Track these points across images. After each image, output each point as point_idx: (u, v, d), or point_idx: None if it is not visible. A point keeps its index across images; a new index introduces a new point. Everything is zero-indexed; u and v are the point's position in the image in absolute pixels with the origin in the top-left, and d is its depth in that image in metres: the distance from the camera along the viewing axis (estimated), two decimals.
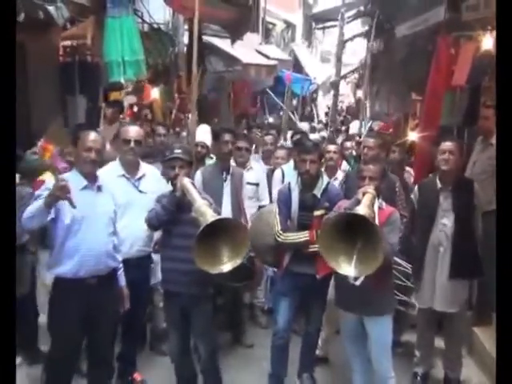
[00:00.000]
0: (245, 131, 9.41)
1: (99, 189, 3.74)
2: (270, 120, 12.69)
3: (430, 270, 4.30)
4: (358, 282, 3.56)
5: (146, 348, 5.05)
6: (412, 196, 4.57)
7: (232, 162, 5.27)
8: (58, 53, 7.42)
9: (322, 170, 4.64)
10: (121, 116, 7.51)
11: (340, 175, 5.55)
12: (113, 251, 3.76)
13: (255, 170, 5.54)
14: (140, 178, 4.28)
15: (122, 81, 7.32)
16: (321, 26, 19.06)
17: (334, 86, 15.80)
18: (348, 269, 3.30)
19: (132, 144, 4.18)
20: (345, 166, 6.55)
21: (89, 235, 3.58)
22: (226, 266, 3.43)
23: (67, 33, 7.22)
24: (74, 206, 3.32)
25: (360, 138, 7.77)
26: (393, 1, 9.49)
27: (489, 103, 5.24)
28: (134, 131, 4.27)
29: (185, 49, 10.25)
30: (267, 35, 19.09)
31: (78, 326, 3.62)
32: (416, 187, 4.60)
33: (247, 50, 13.49)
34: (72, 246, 3.55)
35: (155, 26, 9.78)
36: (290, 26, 23.34)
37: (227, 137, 5.04)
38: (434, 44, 6.44)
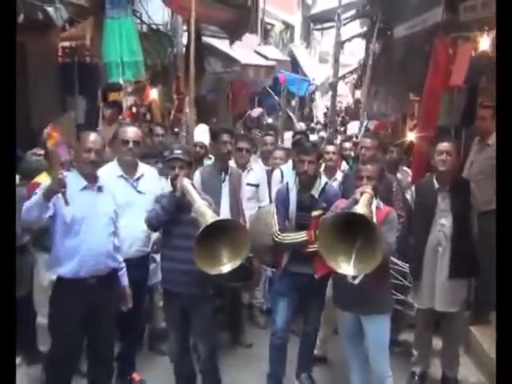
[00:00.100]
0: (242, 131, 9.42)
1: (100, 189, 3.75)
2: (269, 121, 12.69)
3: (429, 271, 4.32)
4: (356, 281, 3.57)
5: (145, 348, 5.06)
6: (408, 196, 4.59)
7: (232, 163, 5.28)
8: (57, 54, 7.43)
9: (321, 170, 4.67)
10: (120, 117, 7.51)
11: (339, 176, 5.56)
12: (113, 251, 3.78)
13: (255, 170, 5.55)
14: (138, 179, 4.29)
15: (121, 82, 7.32)
16: (319, 26, 19.06)
17: (332, 86, 15.82)
18: (347, 268, 3.31)
19: (130, 145, 4.19)
20: (344, 166, 6.57)
21: (89, 235, 3.60)
22: (226, 267, 3.44)
23: (66, 34, 7.22)
24: (67, 203, 3.34)
25: (357, 138, 7.80)
26: (391, 2, 9.50)
27: (486, 104, 5.26)
28: (132, 132, 4.27)
29: (184, 49, 10.26)
30: (266, 36, 19.10)
31: (78, 326, 3.64)
32: (413, 188, 4.62)
33: (246, 50, 13.51)
34: (72, 246, 3.56)
35: (154, 26, 9.77)
36: (288, 26, 23.37)
37: (226, 137, 5.04)
38: (432, 45, 6.45)
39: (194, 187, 3.84)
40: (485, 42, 5.72)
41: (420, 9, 7.65)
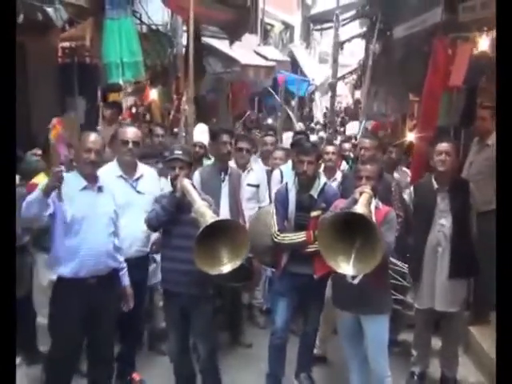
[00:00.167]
0: (242, 132, 9.42)
1: (100, 189, 3.76)
2: (269, 121, 12.71)
3: (429, 271, 4.33)
4: (355, 281, 3.58)
5: (145, 348, 5.06)
6: (405, 196, 4.59)
7: (232, 163, 5.29)
8: (57, 54, 7.42)
9: (320, 170, 4.67)
10: (120, 117, 7.52)
11: (339, 176, 5.56)
12: (113, 251, 3.79)
13: (256, 171, 5.56)
14: (138, 179, 4.30)
15: (121, 82, 7.33)
16: (318, 27, 19.07)
17: (331, 87, 15.82)
18: (346, 268, 3.32)
19: (130, 145, 4.20)
20: (344, 166, 6.57)
21: (89, 235, 3.61)
22: (226, 267, 3.44)
23: (66, 34, 7.22)
24: (60, 199, 3.35)
25: (356, 140, 7.80)
26: (391, 2, 9.51)
27: (485, 104, 5.27)
28: (131, 132, 4.28)
29: (183, 50, 10.28)
30: (266, 36, 19.13)
31: (78, 326, 3.65)
32: (411, 188, 4.63)
33: (246, 51, 13.53)
34: (72, 246, 3.57)
35: (154, 27, 9.78)
36: (288, 27, 23.39)
37: (226, 137, 5.05)
38: (431, 45, 6.46)
39: (195, 187, 3.85)
40: (484, 43, 5.73)
41: (419, 9, 7.66)
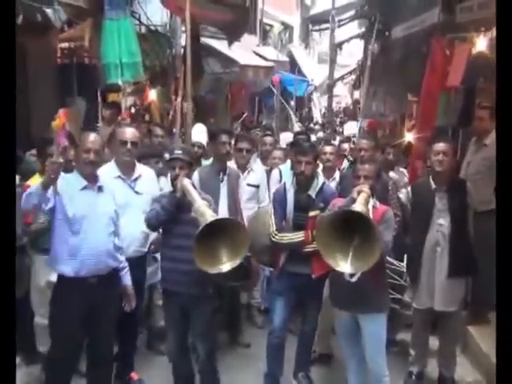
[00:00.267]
0: (240, 132, 9.43)
1: (100, 189, 3.78)
2: (267, 121, 12.73)
3: (428, 271, 4.33)
4: (353, 279, 3.58)
5: (143, 348, 5.06)
6: (401, 195, 4.60)
7: (232, 164, 5.30)
8: (56, 55, 7.43)
9: (319, 170, 4.69)
10: (119, 117, 7.53)
11: (338, 176, 5.56)
12: (113, 251, 3.80)
13: (256, 171, 5.57)
14: (136, 179, 4.31)
15: (120, 83, 7.34)
16: (317, 27, 19.10)
17: (328, 88, 15.86)
18: (344, 266, 3.34)
19: (128, 145, 4.20)
20: (345, 164, 6.56)
21: (89, 235, 3.62)
22: (225, 266, 3.45)
23: (65, 35, 7.23)
24: (56, 193, 3.37)
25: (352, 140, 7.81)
26: (389, 2, 9.53)
27: (483, 104, 5.28)
28: (130, 133, 4.28)
29: (182, 50, 10.30)
30: (265, 37, 19.15)
31: (78, 326, 3.66)
32: (409, 188, 4.65)
33: (245, 51, 13.56)
34: (73, 245, 3.59)
35: (153, 28, 9.80)
36: (287, 27, 23.39)
37: (224, 138, 5.06)
38: (429, 45, 6.47)
39: (195, 187, 3.86)
40: (481, 43, 5.74)
41: (418, 10, 7.69)
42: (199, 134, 6.10)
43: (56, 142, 3.70)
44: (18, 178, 4.28)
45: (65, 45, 7.28)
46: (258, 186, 5.47)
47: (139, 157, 4.62)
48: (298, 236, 4.10)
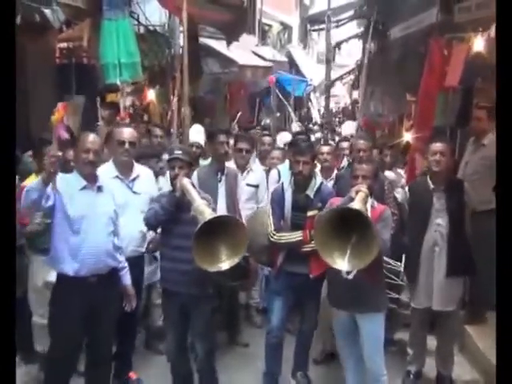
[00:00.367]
0: (238, 131, 9.42)
1: (99, 189, 3.79)
2: (267, 121, 12.73)
3: (426, 271, 4.34)
4: (350, 276, 3.59)
5: (142, 347, 5.07)
6: (397, 195, 4.60)
7: (232, 164, 5.31)
8: (55, 55, 7.44)
9: (317, 170, 4.69)
10: (117, 118, 7.54)
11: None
12: (113, 251, 3.81)
13: (255, 171, 5.58)
14: (134, 179, 4.31)
15: (118, 83, 7.35)
16: (316, 27, 19.09)
17: (326, 88, 15.86)
18: (342, 263, 3.35)
19: (126, 145, 4.21)
20: (345, 163, 6.55)
21: (89, 235, 3.63)
22: (225, 265, 3.47)
23: (63, 35, 7.25)
24: (54, 187, 3.37)
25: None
26: (388, 2, 9.53)
27: (481, 104, 5.30)
28: (128, 133, 4.29)
29: (181, 50, 10.30)
30: (263, 37, 19.15)
31: (78, 325, 3.67)
32: (406, 188, 4.66)
33: (243, 51, 13.57)
34: (73, 244, 3.60)
35: (151, 28, 9.81)
36: (286, 27, 23.38)
37: (222, 138, 5.08)
38: (427, 45, 6.49)
39: (194, 187, 3.87)
40: (479, 43, 5.74)
41: (416, 9, 7.69)
42: (197, 134, 6.12)
43: (55, 136, 3.70)
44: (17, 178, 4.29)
45: (63, 45, 7.30)
46: (257, 186, 5.48)
47: (139, 157, 4.64)
48: (296, 236, 4.12)
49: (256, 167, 5.75)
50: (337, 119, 20.64)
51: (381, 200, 4.25)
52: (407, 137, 7.29)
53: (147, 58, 8.58)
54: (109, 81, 6.88)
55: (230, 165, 5.30)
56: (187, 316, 3.95)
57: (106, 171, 4.20)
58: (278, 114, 14.04)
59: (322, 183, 4.30)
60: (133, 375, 4.49)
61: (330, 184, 4.97)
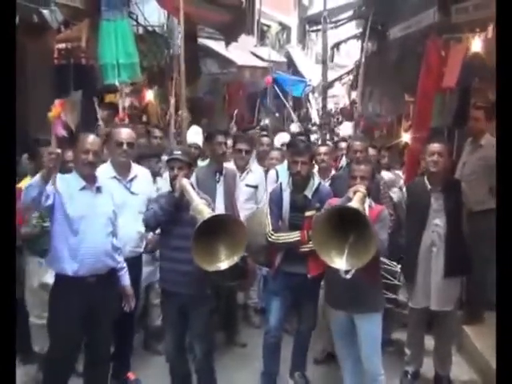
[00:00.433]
0: (235, 132, 9.43)
1: (98, 190, 3.80)
2: (266, 121, 12.72)
3: (424, 271, 4.35)
4: (348, 276, 3.58)
5: (140, 347, 5.08)
6: (393, 195, 4.61)
7: (231, 164, 5.32)
8: (53, 55, 7.44)
9: (315, 171, 4.70)
10: (116, 118, 7.54)
11: None
12: (112, 251, 3.82)
13: (254, 172, 5.59)
14: (131, 180, 4.32)
15: (117, 83, 7.35)
16: (314, 28, 19.09)
17: (323, 89, 15.86)
18: (340, 262, 3.36)
19: (125, 146, 4.22)
20: (343, 163, 6.56)
21: (88, 235, 3.64)
22: (224, 264, 3.48)
23: (62, 35, 7.23)
24: (53, 183, 3.38)
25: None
26: (386, 3, 9.54)
27: (478, 104, 5.31)
28: (126, 133, 4.29)
29: (179, 51, 10.30)
30: (262, 37, 19.13)
31: (77, 325, 3.67)
32: (404, 188, 4.66)
33: (242, 52, 13.56)
34: (72, 244, 3.61)
35: (150, 28, 9.80)
36: (285, 27, 23.36)
37: (221, 138, 5.09)
38: (425, 46, 6.50)
39: (193, 187, 3.88)
40: (477, 44, 5.76)
41: (415, 10, 7.70)
42: (195, 135, 6.13)
43: (53, 133, 3.71)
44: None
45: (62, 45, 7.28)
46: (256, 187, 5.49)
47: (139, 157, 4.64)
48: (294, 236, 4.13)
49: (255, 168, 5.75)
50: (335, 119, 20.60)
51: (377, 200, 4.26)
52: (406, 137, 7.30)
53: (146, 58, 8.57)
54: (107, 81, 6.88)
55: (230, 165, 5.30)
56: (186, 316, 3.96)
57: (104, 171, 4.20)
58: (278, 115, 14.03)
59: (320, 184, 4.31)
60: (131, 375, 4.50)
61: (327, 184, 4.97)
